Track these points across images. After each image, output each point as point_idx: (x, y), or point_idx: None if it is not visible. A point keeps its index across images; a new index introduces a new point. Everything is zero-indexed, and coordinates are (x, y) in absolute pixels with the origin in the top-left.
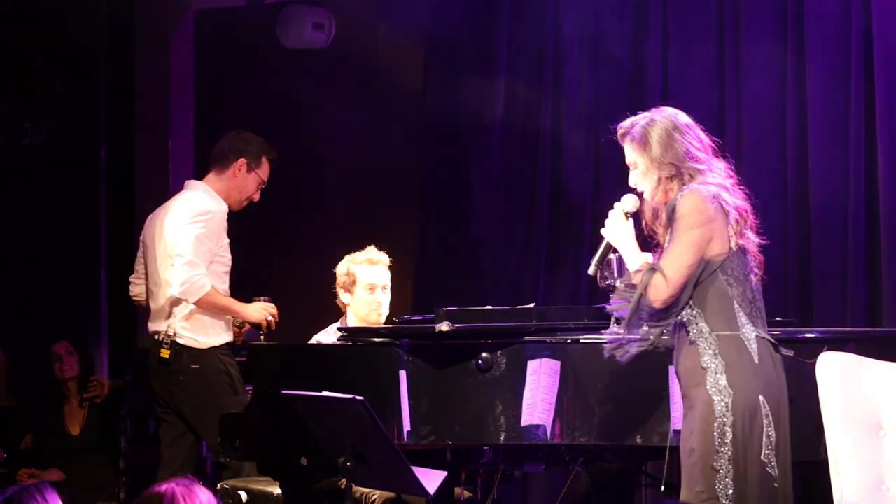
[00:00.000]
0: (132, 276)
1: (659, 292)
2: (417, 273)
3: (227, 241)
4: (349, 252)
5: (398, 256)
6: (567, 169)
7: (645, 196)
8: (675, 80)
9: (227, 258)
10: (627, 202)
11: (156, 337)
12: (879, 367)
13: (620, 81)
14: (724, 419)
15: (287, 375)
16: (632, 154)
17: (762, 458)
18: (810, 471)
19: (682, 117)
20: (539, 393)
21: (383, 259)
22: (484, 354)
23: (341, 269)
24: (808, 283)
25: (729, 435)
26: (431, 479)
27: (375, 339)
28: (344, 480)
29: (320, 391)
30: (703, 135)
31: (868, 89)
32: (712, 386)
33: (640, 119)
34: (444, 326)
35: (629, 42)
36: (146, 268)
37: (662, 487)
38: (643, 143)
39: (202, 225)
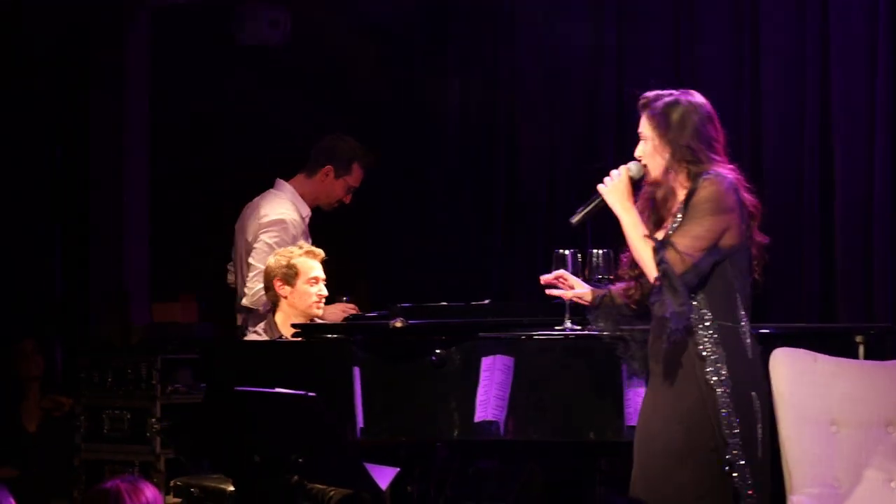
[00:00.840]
0: (229, 263)
1: (674, 269)
2: (372, 270)
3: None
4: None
5: (353, 253)
6: (522, 166)
7: (650, 170)
8: (631, 78)
9: None
10: (635, 169)
11: (237, 330)
12: (833, 363)
13: (575, 78)
14: (728, 410)
15: (241, 372)
16: (646, 127)
17: (759, 454)
18: None
19: (707, 106)
20: (493, 389)
21: (321, 254)
22: (438, 351)
23: (279, 262)
24: (764, 278)
25: (736, 427)
26: (384, 476)
27: (329, 336)
28: (297, 477)
29: (274, 388)
30: (720, 130)
31: (824, 82)
32: (713, 375)
33: (665, 95)
34: (397, 323)
35: (584, 39)
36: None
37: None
38: (660, 120)
39: (275, 234)
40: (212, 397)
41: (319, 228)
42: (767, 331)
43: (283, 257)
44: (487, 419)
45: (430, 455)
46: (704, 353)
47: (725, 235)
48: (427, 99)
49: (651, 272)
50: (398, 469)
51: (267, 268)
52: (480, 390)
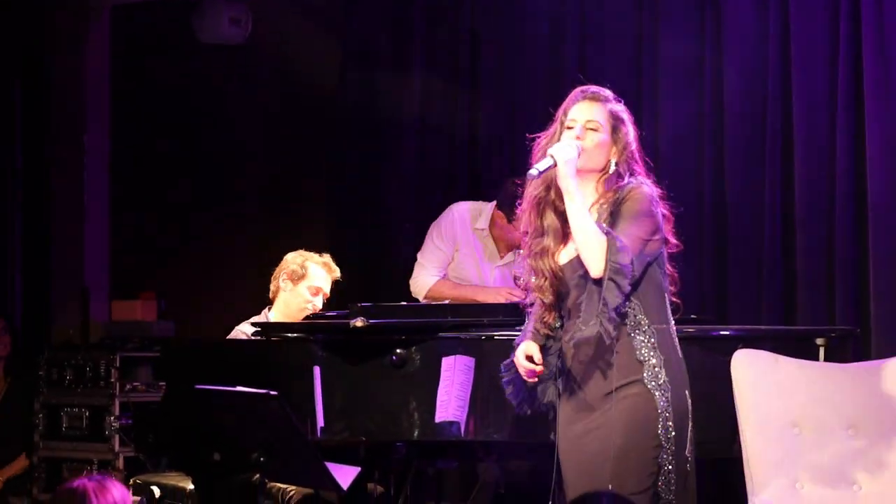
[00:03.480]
0: None
1: (622, 258)
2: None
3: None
4: (263, 247)
5: (313, 251)
6: (483, 166)
7: (588, 160)
8: (593, 71)
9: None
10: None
11: None
12: (794, 365)
13: (537, 79)
14: (667, 414)
15: (201, 371)
16: (605, 119)
17: (686, 453)
18: (724, 469)
19: None
20: (453, 389)
21: (337, 272)
22: (398, 350)
23: (296, 259)
24: (724, 280)
25: (672, 431)
26: (345, 475)
27: (290, 335)
28: (257, 475)
29: (235, 386)
30: None
31: (785, 85)
32: (651, 380)
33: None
34: (358, 322)
35: (546, 40)
36: None
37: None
38: (623, 119)
39: (433, 229)
40: (172, 395)
41: (282, 228)
42: (729, 332)
43: (301, 256)
44: (448, 419)
45: (391, 454)
46: (642, 359)
47: (654, 239)
48: (388, 97)
49: (597, 266)
50: (359, 468)
51: (284, 259)
52: (441, 390)
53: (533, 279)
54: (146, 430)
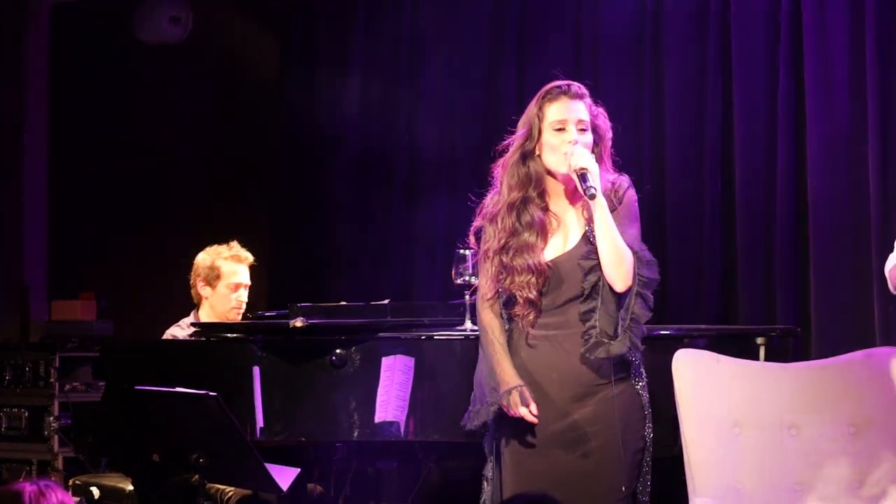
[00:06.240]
0: None
1: (650, 272)
2: (272, 269)
3: None
4: (204, 246)
5: (253, 252)
6: (423, 165)
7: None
8: (531, 77)
9: None
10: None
11: None
12: (734, 364)
13: (475, 78)
14: (648, 414)
15: (140, 371)
16: (587, 115)
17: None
18: (664, 468)
19: None
20: (393, 389)
21: (249, 258)
22: (338, 351)
23: (205, 261)
24: (663, 280)
25: (651, 432)
26: (284, 476)
27: (229, 335)
28: (197, 477)
29: (174, 387)
30: None
31: (725, 83)
32: (639, 380)
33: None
34: (298, 322)
35: (485, 40)
36: None
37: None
38: (605, 115)
39: None
40: (111, 396)
41: (223, 227)
42: (669, 332)
43: (209, 256)
44: (388, 419)
45: (330, 455)
46: (631, 358)
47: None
48: (329, 94)
49: (625, 281)
50: (299, 469)
51: (195, 264)
52: (380, 391)
53: (512, 278)
54: (85, 431)
